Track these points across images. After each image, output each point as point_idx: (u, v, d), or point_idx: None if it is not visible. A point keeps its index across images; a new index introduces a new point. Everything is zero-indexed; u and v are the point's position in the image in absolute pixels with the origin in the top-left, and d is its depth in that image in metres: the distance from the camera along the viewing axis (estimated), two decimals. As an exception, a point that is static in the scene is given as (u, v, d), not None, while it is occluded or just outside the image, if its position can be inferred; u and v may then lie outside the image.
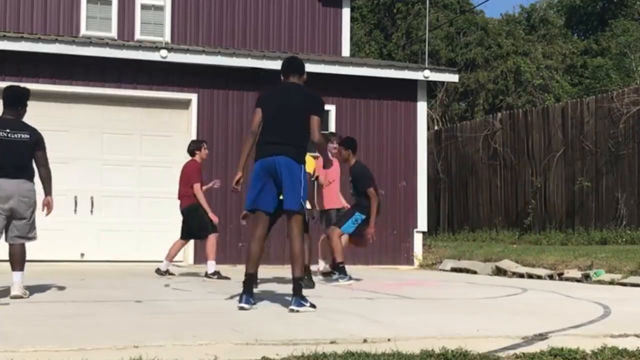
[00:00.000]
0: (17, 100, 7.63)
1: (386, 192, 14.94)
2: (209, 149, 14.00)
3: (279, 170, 6.55)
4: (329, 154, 8.91)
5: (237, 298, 6.69)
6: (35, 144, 7.49)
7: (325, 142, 7.73)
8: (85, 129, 13.75)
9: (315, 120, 6.64)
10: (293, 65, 6.99)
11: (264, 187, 6.62)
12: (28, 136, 7.46)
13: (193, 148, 11.17)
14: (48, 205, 7.57)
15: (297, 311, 6.29)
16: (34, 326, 5.35)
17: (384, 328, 5.38)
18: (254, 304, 6.61)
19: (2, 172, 7.30)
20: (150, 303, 7.11)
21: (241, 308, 6.47)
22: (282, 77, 7.04)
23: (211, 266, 10.45)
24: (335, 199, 10.72)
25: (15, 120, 7.53)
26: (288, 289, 8.69)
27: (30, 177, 7.46)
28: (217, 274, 10.34)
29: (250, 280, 6.69)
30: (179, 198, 11.01)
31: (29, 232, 7.45)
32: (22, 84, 13.06)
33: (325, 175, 10.37)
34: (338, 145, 10.33)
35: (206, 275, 10.42)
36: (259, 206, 6.66)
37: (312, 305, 6.42)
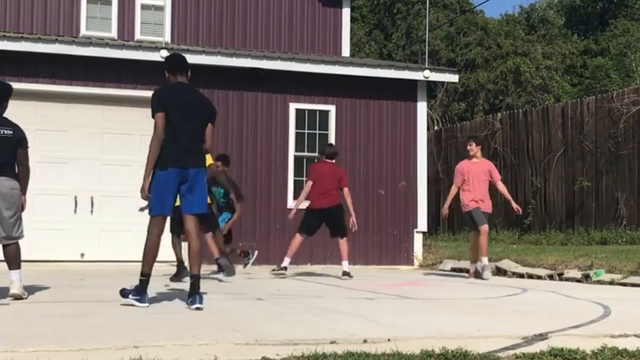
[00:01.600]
0: (0, 96, 7.48)
1: (386, 192, 14.96)
2: (209, 149, 14.04)
3: (190, 179, 6.69)
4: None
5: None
6: (19, 141, 7.34)
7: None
8: (85, 129, 13.74)
9: (210, 128, 6.84)
10: (182, 62, 6.94)
11: (172, 193, 6.72)
12: (11, 132, 7.30)
13: (334, 151, 11.50)
14: (22, 205, 7.42)
15: (199, 308, 6.39)
16: (34, 326, 5.34)
17: (384, 328, 5.37)
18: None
19: None
20: (150, 303, 7.10)
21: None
22: (168, 74, 6.97)
23: (345, 266, 11.12)
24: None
25: None
26: (286, 288, 8.67)
27: (12, 174, 7.30)
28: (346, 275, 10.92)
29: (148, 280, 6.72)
30: (329, 196, 11.14)
31: (14, 231, 7.30)
32: (22, 84, 13.15)
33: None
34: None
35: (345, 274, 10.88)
36: (167, 211, 6.81)
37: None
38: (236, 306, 6.93)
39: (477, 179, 11.49)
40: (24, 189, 7.40)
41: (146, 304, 6.54)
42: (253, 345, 4.56)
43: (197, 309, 6.38)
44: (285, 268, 11.22)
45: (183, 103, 6.73)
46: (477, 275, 11.36)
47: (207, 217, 10.17)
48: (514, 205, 11.80)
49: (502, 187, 12.03)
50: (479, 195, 11.44)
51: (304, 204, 11.49)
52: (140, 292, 6.60)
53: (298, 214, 11.41)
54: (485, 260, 11.28)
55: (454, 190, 11.71)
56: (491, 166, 12.05)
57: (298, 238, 11.23)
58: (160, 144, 6.64)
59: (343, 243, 11.19)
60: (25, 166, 7.46)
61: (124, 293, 6.67)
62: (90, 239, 13.53)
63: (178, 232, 10.03)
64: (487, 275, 11.13)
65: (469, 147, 11.80)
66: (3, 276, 7.93)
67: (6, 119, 7.47)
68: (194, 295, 6.50)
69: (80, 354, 4.24)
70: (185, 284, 9.54)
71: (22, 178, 7.43)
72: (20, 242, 7.43)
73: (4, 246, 7.33)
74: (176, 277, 9.92)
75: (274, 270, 11.32)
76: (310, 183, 11.29)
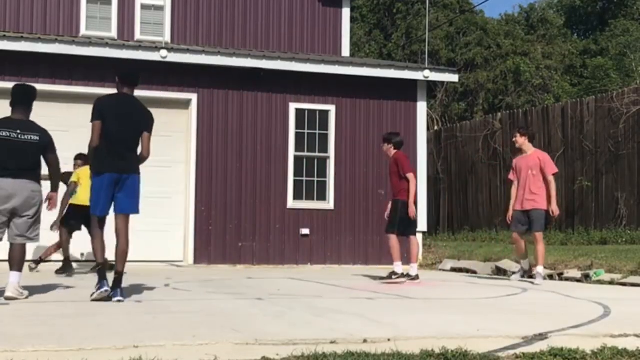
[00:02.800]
0: (27, 99, 7.61)
1: (386, 192, 14.95)
2: (209, 149, 14.05)
3: (123, 184, 7.28)
4: None
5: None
6: (46, 146, 7.51)
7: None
8: (86, 129, 13.54)
9: (147, 136, 7.29)
10: (129, 76, 7.61)
11: (107, 196, 7.34)
12: (38, 138, 7.44)
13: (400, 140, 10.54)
14: (52, 199, 7.71)
15: (123, 301, 6.97)
16: (34, 326, 5.34)
17: (384, 328, 5.37)
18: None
19: (6, 172, 7.26)
20: (150, 303, 7.11)
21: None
22: (118, 82, 7.66)
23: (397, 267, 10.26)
24: None
25: (25, 120, 7.51)
26: (286, 288, 8.69)
27: (35, 178, 7.46)
28: (411, 276, 10.23)
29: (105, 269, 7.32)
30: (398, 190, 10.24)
31: (29, 232, 7.41)
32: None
33: None
34: None
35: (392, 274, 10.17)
36: (101, 213, 7.48)
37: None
38: (236, 306, 6.93)
39: (524, 174, 10.52)
40: (54, 187, 7.69)
41: (106, 288, 7.06)
42: (253, 345, 4.56)
43: (119, 301, 6.95)
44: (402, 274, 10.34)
45: (120, 113, 7.23)
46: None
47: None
48: (553, 207, 10.52)
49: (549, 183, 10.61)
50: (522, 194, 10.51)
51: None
52: (100, 280, 7.15)
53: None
54: (537, 268, 10.45)
55: (512, 190, 10.78)
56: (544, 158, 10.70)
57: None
58: (94, 151, 7.24)
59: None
60: (56, 167, 7.68)
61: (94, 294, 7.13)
62: (90, 239, 13.49)
63: (73, 230, 11.06)
64: (538, 281, 10.31)
65: (513, 139, 10.90)
66: (3, 276, 7.94)
67: (33, 123, 7.59)
68: (115, 289, 7.08)
69: (80, 354, 4.24)
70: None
71: (54, 177, 7.69)
72: (19, 242, 7.51)
73: (11, 245, 7.38)
74: (61, 270, 10.93)
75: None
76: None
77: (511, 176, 10.80)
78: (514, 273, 11.21)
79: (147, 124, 7.34)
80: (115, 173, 7.18)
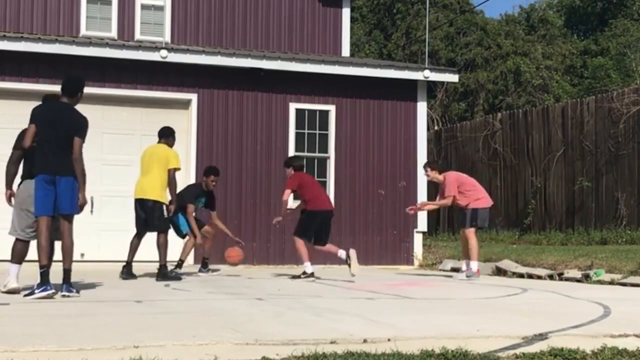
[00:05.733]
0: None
1: (386, 192, 14.96)
2: (209, 149, 14.05)
3: (57, 185, 7.57)
4: None
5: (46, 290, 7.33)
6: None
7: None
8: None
9: (77, 140, 7.68)
10: (65, 85, 7.95)
11: (43, 197, 7.57)
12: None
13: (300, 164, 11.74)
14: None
15: (68, 296, 7.36)
16: (34, 326, 5.34)
17: (384, 328, 5.37)
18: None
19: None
20: (150, 303, 7.11)
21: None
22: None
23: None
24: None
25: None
26: (286, 288, 8.71)
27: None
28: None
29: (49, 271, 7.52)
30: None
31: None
32: (22, 84, 13.18)
33: None
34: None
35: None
36: (49, 212, 7.59)
37: (77, 292, 7.58)
38: (236, 306, 6.93)
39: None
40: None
41: (52, 290, 7.30)
42: (253, 345, 4.56)
43: (64, 296, 7.34)
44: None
45: (52, 119, 7.67)
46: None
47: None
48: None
49: None
50: None
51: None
52: (44, 283, 7.35)
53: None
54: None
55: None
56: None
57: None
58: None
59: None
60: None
61: (32, 292, 7.37)
62: (90, 239, 13.51)
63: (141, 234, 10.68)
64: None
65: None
66: (2, 275, 7.94)
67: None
68: (62, 285, 7.44)
69: (80, 354, 4.24)
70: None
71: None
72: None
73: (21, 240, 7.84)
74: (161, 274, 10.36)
75: None
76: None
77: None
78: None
79: (79, 129, 7.73)
80: (47, 174, 7.57)
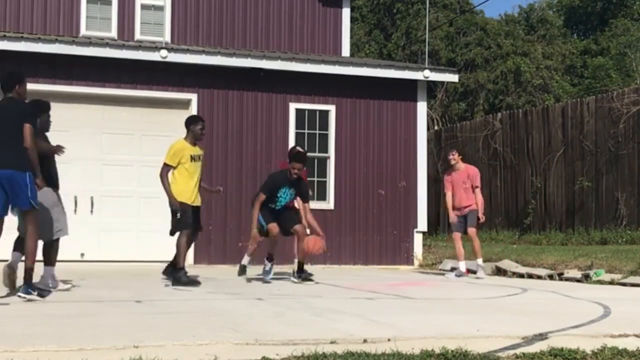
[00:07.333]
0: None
1: (386, 192, 14.96)
2: (209, 149, 14.04)
3: (5, 180, 7.14)
4: None
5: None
6: None
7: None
8: (85, 129, 13.74)
9: (27, 127, 7.19)
10: (2, 83, 7.54)
11: None
12: None
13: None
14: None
15: (25, 298, 7.03)
16: (34, 326, 5.34)
17: (384, 328, 5.37)
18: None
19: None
20: (150, 303, 7.11)
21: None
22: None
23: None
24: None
25: None
26: (286, 288, 8.69)
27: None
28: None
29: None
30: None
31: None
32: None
33: None
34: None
35: None
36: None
37: (39, 294, 7.15)
38: (236, 306, 6.93)
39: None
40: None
41: (35, 292, 7.13)
42: (253, 345, 4.56)
43: (19, 296, 7.08)
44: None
45: None
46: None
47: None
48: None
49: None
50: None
51: None
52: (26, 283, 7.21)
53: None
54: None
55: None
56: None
57: None
58: None
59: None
60: None
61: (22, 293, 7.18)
62: (90, 239, 13.52)
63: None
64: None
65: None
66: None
67: None
68: (22, 285, 7.20)
69: (80, 354, 4.24)
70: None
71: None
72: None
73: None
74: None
75: None
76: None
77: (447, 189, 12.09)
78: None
79: (23, 115, 7.25)
80: None
